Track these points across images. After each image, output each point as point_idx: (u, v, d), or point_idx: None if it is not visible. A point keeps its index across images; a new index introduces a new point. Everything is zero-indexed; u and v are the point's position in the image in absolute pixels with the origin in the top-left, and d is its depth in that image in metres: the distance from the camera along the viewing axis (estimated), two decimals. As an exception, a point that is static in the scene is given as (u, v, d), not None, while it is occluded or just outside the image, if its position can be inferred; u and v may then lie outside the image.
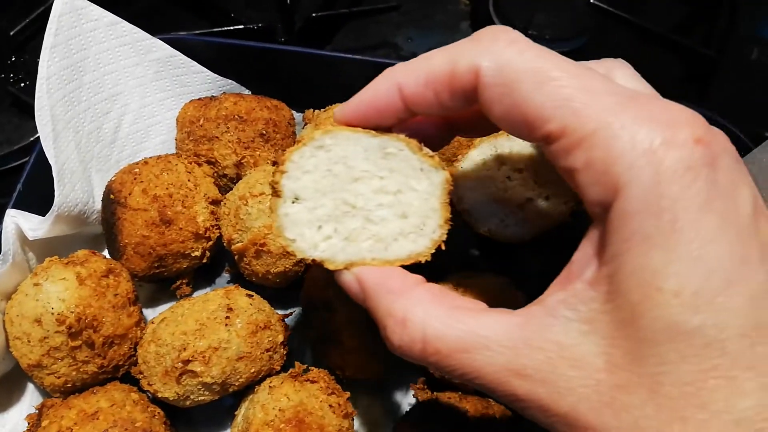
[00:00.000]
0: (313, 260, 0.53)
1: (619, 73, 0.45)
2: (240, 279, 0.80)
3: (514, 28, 0.44)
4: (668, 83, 1.04)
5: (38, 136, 0.98)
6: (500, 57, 0.41)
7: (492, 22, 1.20)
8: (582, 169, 0.37)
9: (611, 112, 0.36)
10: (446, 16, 1.27)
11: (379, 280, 0.49)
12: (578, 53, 1.17)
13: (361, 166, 0.52)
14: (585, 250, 0.39)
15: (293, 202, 0.53)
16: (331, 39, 1.20)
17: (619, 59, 0.47)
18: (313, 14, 1.16)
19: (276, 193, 0.53)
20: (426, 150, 0.51)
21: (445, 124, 0.55)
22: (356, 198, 0.53)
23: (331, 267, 0.53)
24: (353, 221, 0.53)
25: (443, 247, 0.52)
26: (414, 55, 1.21)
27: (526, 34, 0.44)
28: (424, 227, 0.52)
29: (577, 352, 0.37)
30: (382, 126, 0.52)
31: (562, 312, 0.38)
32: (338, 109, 0.52)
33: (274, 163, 0.55)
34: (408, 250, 0.53)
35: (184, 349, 0.65)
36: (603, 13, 1.21)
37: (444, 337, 0.42)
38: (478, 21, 1.25)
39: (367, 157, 0.52)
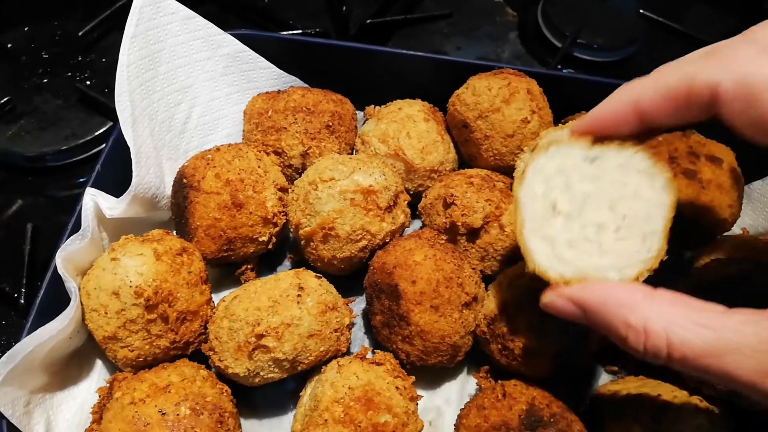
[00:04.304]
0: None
1: None
2: (302, 266, 0.81)
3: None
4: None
5: (104, 131, 1.03)
6: (739, 72, 0.42)
7: (541, 33, 1.22)
8: None
9: None
10: (494, 27, 1.30)
11: (605, 294, 0.49)
12: (629, 62, 1.18)
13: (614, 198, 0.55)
14: None
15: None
16: (383, 45, 1.23)
17: None
18: (368, 21, 1.19)
19: (540, 148, 0.57)
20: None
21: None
22: (588, 213, 0.55)
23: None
24: (568, 221, 0.56)
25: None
26: (463, 62, 1.25)
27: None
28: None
29: None
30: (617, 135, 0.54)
31: None
32: (575, 123, 0.54)
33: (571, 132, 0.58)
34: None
35: (258, 324, 0.66)
36: (653, 22, 1.22)
37: (689, 343, 0.43)
38: (527, 32, 1.27)
39: (628, 204, 0.55)
